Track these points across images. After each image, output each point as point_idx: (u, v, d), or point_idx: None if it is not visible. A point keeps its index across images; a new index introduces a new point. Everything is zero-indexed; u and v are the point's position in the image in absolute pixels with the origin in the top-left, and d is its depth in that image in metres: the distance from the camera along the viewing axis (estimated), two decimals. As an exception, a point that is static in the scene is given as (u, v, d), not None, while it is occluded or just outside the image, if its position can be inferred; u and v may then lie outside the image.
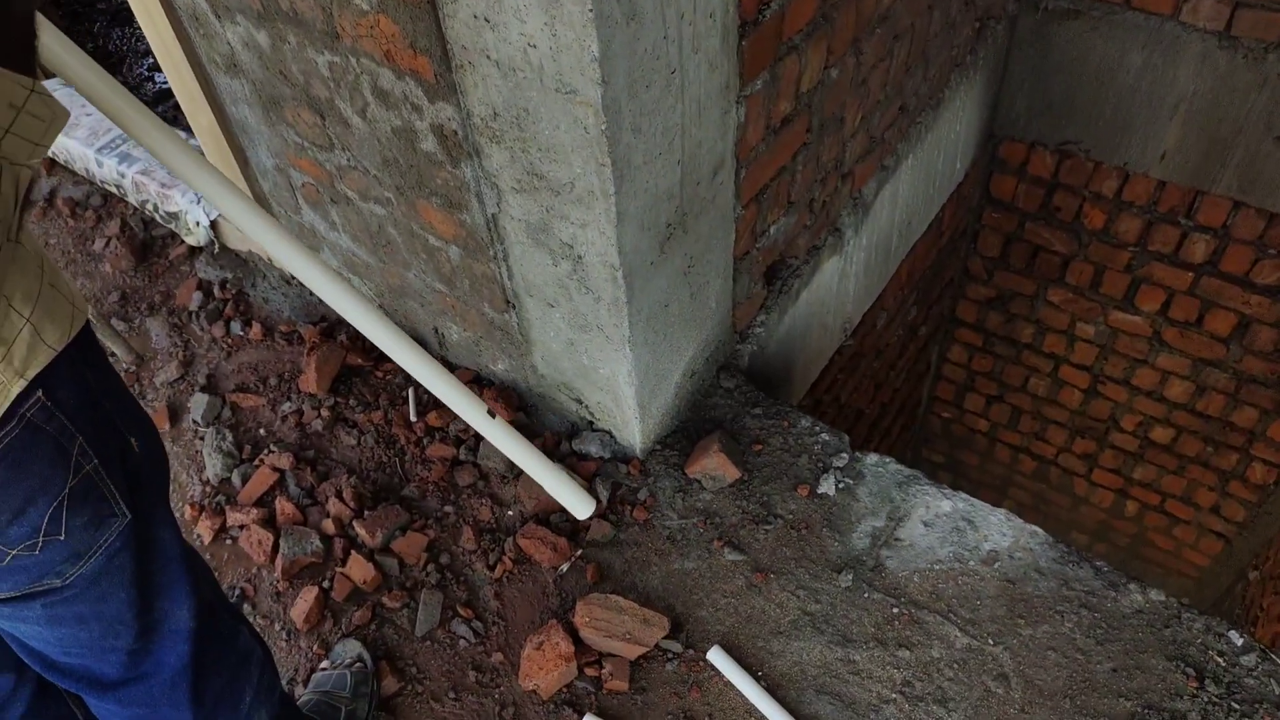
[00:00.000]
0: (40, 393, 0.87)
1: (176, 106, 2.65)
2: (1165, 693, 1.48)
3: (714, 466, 1.72)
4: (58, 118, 0.79)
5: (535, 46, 1.19)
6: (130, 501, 0.98)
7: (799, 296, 2.05)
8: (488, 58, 1.25)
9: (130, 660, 1.07)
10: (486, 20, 1.20)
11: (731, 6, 1.38)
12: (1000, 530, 1.68)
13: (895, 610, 1.59)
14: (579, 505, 1.35)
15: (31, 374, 0.85)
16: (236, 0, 1.48)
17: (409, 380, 1.95)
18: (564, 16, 1.13)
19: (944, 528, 1.68)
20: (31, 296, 0.84)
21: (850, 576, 1.62)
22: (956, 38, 2.35)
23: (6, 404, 0.84)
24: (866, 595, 1.61)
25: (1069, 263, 3.12)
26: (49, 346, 0.87)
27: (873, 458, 1.78)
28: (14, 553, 0.89)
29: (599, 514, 1.71)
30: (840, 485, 1.73)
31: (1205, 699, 1.47)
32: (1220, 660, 1.51)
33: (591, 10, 1.10)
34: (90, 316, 0.98)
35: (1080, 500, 3.84)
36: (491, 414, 1.23)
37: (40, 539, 0.90)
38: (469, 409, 1.21)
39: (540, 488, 1.72)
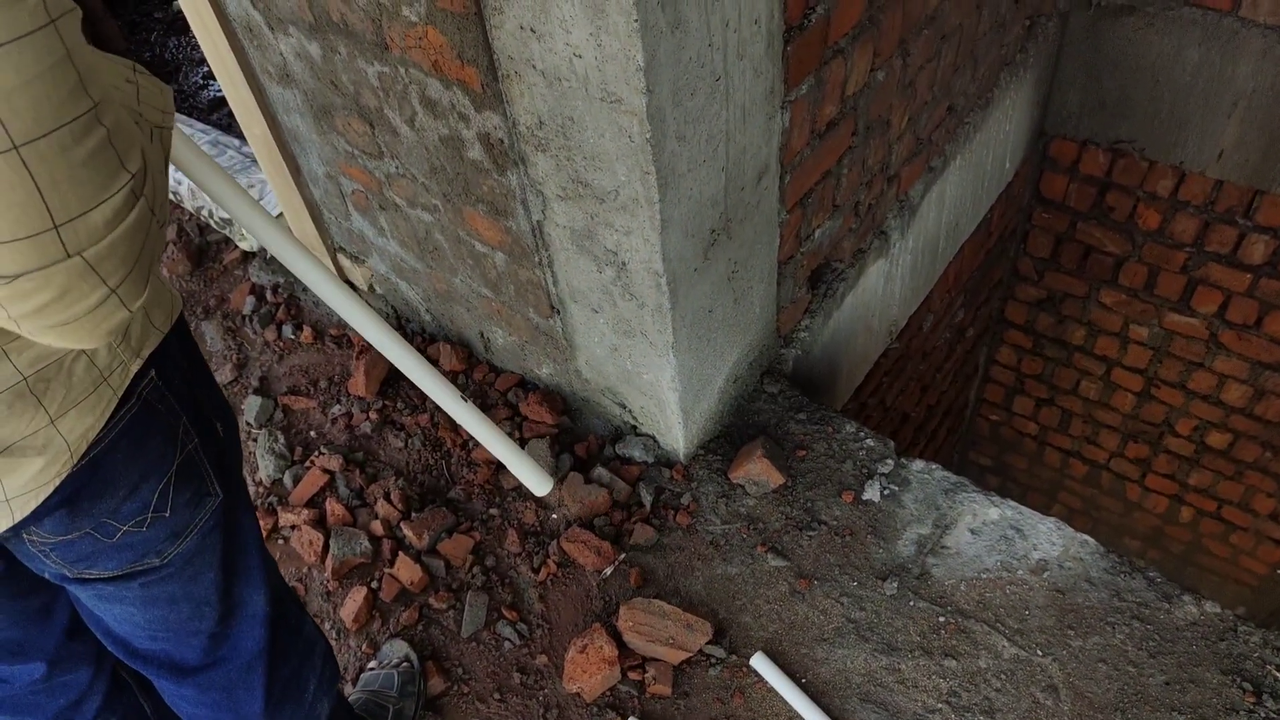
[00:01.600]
0: (153, 372, 0.91)
1: (230, 115, 2.71)
2: (1220, 707, 1.45)
3: (757, 472, 1.71)
4: (165, 88, 0.82)
5: (581, 56, 1.20)
6: (220, 482, 1.03)
7: (844, 300, 2.03)
8: (534, 67, 1.26)
9: (210, 644, 1.10)
10: (533, 31, 1.21)
11: (777, 12, 1.37)
12: (1050, 539, 1.65)
13: (941, 619, 1.57)
14: (537, 483, 1.38)
15: (146, 353, 0.90)
16: (289, 12, 1.51)
17: (454, 383, 1.97)
18: (609, 27, 1.13)
19: (992, 536, 1.66)
20: None
21: (895, 584, 1.61)
22: (1006, 36, 2.32)
23: (127, 381, 0.88)
24: (912, 603, 1.59)
25: (1122, 264, 3.05)
26: (157, 329, 0.91)
27: (919, 464, 1.76)
28: (124, 529, 0.93)
29: (642, 518, 1.72)
30: (885, 492, 1.72)
31: (1263, 714, 1.43)
32: (1278, 674, 1.47)
33: (637, 20, 1.11)
34: None
35: (1133, 506, 3.76)
36: (464, 398, 1.28)
37: (149, 515, 0.94)
38: (435, 386, 1.25)
39: (585, 491, 1.74)
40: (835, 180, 1.81)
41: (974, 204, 2.64)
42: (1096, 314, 3.23)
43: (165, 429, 0.94)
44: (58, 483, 0.86)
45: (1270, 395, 3.05)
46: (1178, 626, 1.54)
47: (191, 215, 2.39)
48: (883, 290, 2.24)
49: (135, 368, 0.89)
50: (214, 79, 3.13)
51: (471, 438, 1.90)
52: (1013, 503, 1.71)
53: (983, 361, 3.65)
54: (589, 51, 1.18)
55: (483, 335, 1.95)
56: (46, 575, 0.98)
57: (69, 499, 0.87)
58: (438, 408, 1.95)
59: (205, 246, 2.37)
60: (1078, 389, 3.50)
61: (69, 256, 0.60)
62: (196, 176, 0.98)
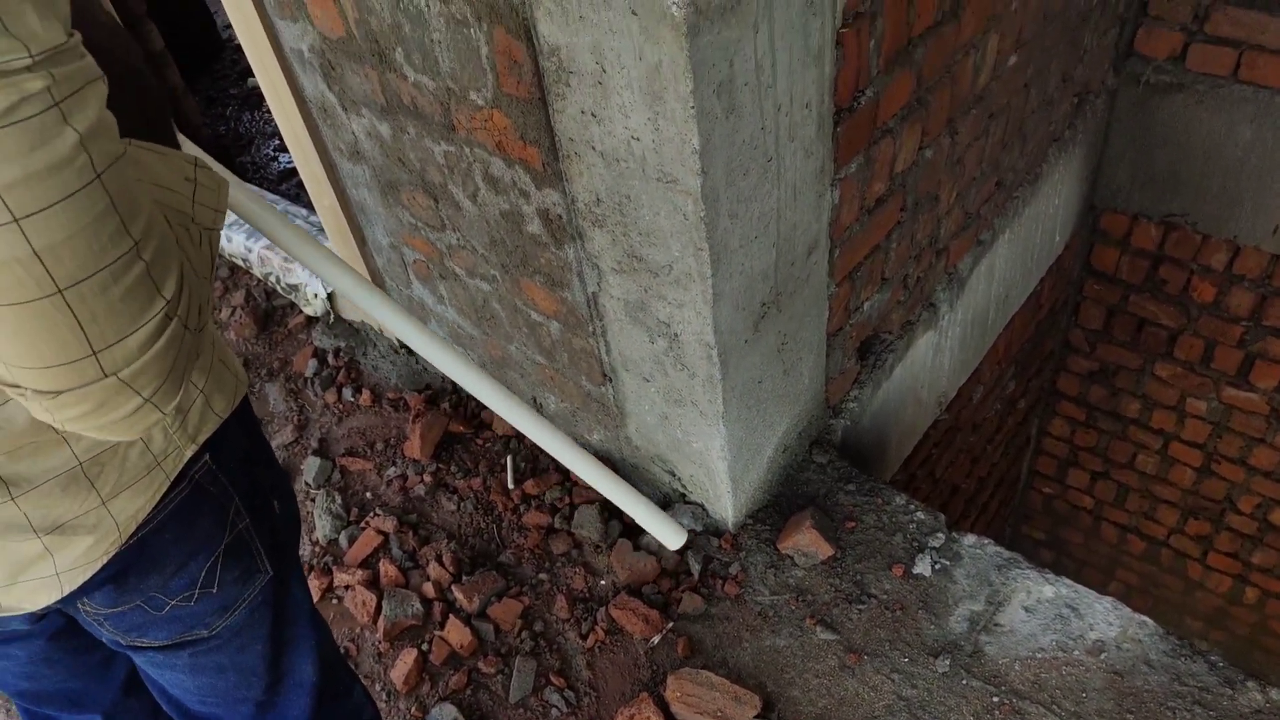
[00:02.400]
0: (208, 456, 0.95)
1: (300, 185, 2.84)
2: (1290, 802, 1.39)
3: (806, 543, 1.71)
4: (223, 184, 0.87)
5: (639, 139, 1.25)
6: (272, 559, 1.06)
7: (893, 371, 2.04)
8: (593, 149, 1.32)
9: (258, 711, 1.13)
10: (593, 115, 1.27)
11: (827, 96, 1.42)
12: (1107, 619, 1.62)
13: (995, 699, 1.54)
14: (670, 535, 1.32)
15: (202, 439, 0.94)
16: (363, 95, 1.60)
17: (507, 448, 2.01)
18: (667, 112, 1.19)
19: (1046, 614, 1.63)
20: (205, 369, 0.92)
21: (948, 662, 1.59)
22: (1054, 113, 2.35)
23: (181, 465, 0.92)
24: (965, 682, 1.57)
25: (1177, 337, 3.02)
26: (216, 415, 0.95)
27: (970, 538, 1.75)
28: (172, 603, 0.97)
29: (690, 587, 1.72)
30: (936, 566, 1.71)
31: (1336, 811, 1.38)
32: (1352, 769, 1.42)
33: (694, 107, 1.16)
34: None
35: (1194, 585, 3.64)
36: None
37: (196, 591, 0.98)
38: (554, 441, 1.23)
39: (634, 558, 1.75)
40: (884, 254, 1.84)
41: (1024, 276, 2.64)
42: (1152, 387, 3.19)
43: (216, 510, 0.97)
44: (105, 560, 0.89)
45: (1336, 473, 2.97)
46: (1241, 714, 1.49)
47: (260, 281, 2.50)
48: (931, 362, 2.24)
49: (190, 453, 0.93)
50: (284, 151, 3.28)
51: (524, 502, 1.92)
52: (1068, 580, 1.68)
53: (1035, 433, 3.60)
54: (647, 135, 1.24)
55: (536, 401, 2.00)
56: (104, 640, 1.02)
57: (116, 575, 0.91)
58: (490, 471, 1.99)
59: (271, 311, 2.46)
60: (1134, 463, 3.44)
61: (105, 377, 0.65)
62: (258, 224, 1.01)
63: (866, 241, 1.75)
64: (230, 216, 2.52)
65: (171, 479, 0.92)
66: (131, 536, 0.91)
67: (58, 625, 1.03)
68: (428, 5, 1.33)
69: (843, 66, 1.42)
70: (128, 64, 0.81)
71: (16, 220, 0.57)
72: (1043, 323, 3.02)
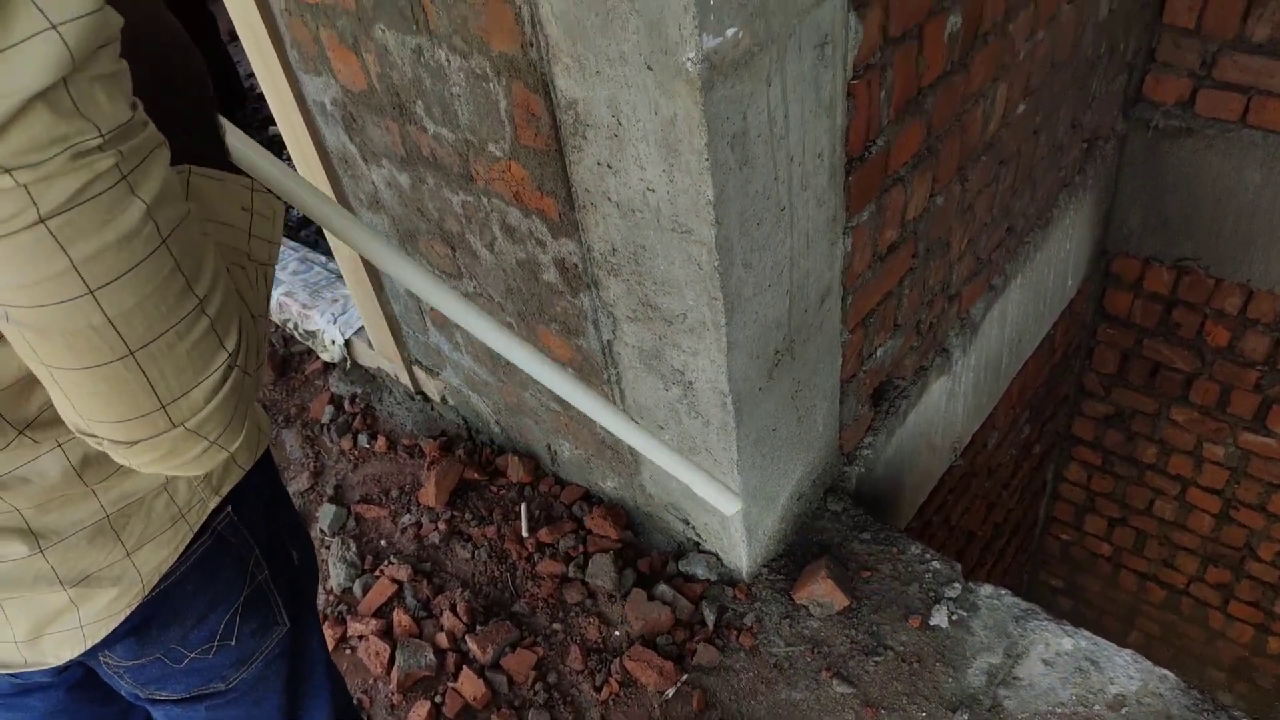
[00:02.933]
0: (230, 507, 0.96)
1: (317, 232, 2.88)
2: None
3: (822, 593, 1.70)
4: (278, 212, 0.87)
5: (654, 190, 1.27)
6: (290, 610, 1.06)
7: (907, 417, 2.04)
8: (609, 199, 1.34)
9: None
10: (609, 167, 1.29)
11: (839, 145, 1.44)
12: (1127, 673, 1.59)
13: (1016, 753, 1.52)
14: (724, 501, 1.29)
15: (225, 490, 0.94)
16: (383, 147, 1.63)
17: (521, 495, 2.01)
18: (681, 165, 1.21)
19: (1066, 667, 1.61)
20: None
21: (966, 716, 1.56)
22: (1064, 159, 2.37)
23: (204, 517, 0.92)
24: (984, 735, 1.54)
25: (1192, 381, 3.00)
26: (240, 466, 0.95)
27: (987, 589, 1.73)
28: (191, 656, 0.97)
29: (705, 638, 1.71)
30: (953, 617, 1.69)
31: None
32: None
33: (708, 159, 1.18)
34: None
35: (1216, 634, 3.58)
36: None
37: (215, 644, 0.97)
38: (599, 407, 1.17)
39: (648, 608, 1.74)
40: (897, 300, 1.84)
41: (1036, 321, 2.64)
42: (1168, 431, 3.16)
43: (236, 561, 0.98)
44: (128, 612, 0.90)
45: (1359, 519, 2.93)
46: (1271, 770, 1.46)
47: (277, 327, 2.52)
48: (945, 407, 2.24)
49: (213, 504, 0.93)
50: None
51: (539, 551, 1.92)
52: (1087, 632, 1.65)
53: (1051, 478, 3.57)
54: (662, 186, 1.25)
55: (550, 448, 2.00)
56: (123, 693, 1.02)
57: (138, 628, 0.92)
58: (505, 519, 1.98)
59: (289, 357, 2.48)
60: (1152, 509, 3.40)
61: (174, 427, 0.67)
62: (263, 174, 0.97)
63: (879, 288, 1.76)
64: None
65: (195, 531, 0.92)
66: (154, 588, 0.91)
67: (77, 677, 1.03)
68: (448, 60, 1.36)
69: (854, 117, 1.44)
70: (174, 43, 0.81)
71: (91, 292, 0.59)
72: (1057, 367, 3.01)
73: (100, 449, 0.69)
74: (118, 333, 0.61)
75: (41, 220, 0.55)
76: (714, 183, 1.21)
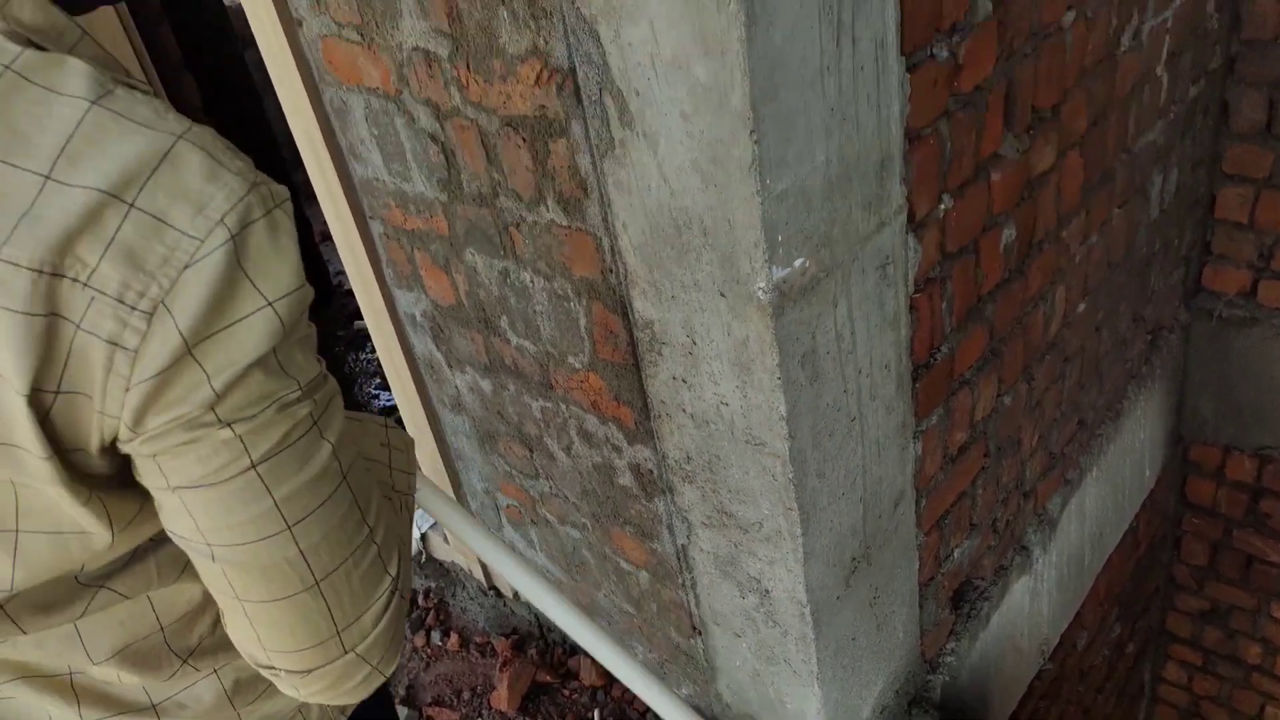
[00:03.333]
0: None
1: (399, 423, 3.01)
2: None
3: (910, 813, 1.61)
4: (410, 443, 0.94)
5: (727, 404, 1.33)
6: None
7: (989, 620, 1.98)
8: (683, 411, 1.40)
9: None
10: (684, 381, 1.36)
11: (904, 355, 1.49)
12: None
13: None
14: None
15: (350, 712, 0.99)
16: (467, 355, 1.74)
17: (594, 700, 1.98)
18: (754, 382, 1.27)
19: None
20: None
21: None
22: (1129, 351, 2.39)
23: None
24: None
25: (1292, 575, 2.86)
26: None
27: (1089, 811, 1.62)
28: None
29: None
30: (1055, 843, 1.57)
31: None
32: None
33: (780, 377, 1.24)
34: None
35: None
36: None
37: None
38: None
39: (724, 828, 1.66)
40: (971, 500, 1.84)
41: (1116, 513, 2.58)
42: (1270, 630, 2.98)
43: None
44: None
45: None
46: None
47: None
48: (1029, 607, 2.17)
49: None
50: (385, 390, 3.50)
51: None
52: None
53: (1148, 680, 3.35)
54: (735, 401, 1.31)
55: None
56: None
57: None
58: (575, 725, 1.94)
59: (364, 551, 2.53)
60: (1263, 715, 3.15)
61: (345, 654, 0.72)
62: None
63: (952, 489, 1.76)
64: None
65: None
66: None
67: None
68: (532, 282, 1.47)
69: (917, 328, 1.50)
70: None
71: (289, 527, 0.65)
72: (1142, 560, 2.90)
73: (275, 679, 0.73)
74: (307, 564, 0.67)
75: (253, 466, 0.61)
76: (786, 399, 1.26)
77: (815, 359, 1.29)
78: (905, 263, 1.43)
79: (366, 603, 0.72)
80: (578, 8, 1.06)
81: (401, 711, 2.01)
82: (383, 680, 0.77)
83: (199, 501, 0.62)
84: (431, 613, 2.27)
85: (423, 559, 2.40)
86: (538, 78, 1.21)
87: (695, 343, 1.30)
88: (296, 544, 0.66)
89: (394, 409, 2.22)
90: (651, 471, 1.54)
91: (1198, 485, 2.92)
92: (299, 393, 0.63)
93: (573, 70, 1.15)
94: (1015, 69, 1.48)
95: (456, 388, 1.87)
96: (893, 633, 1.68)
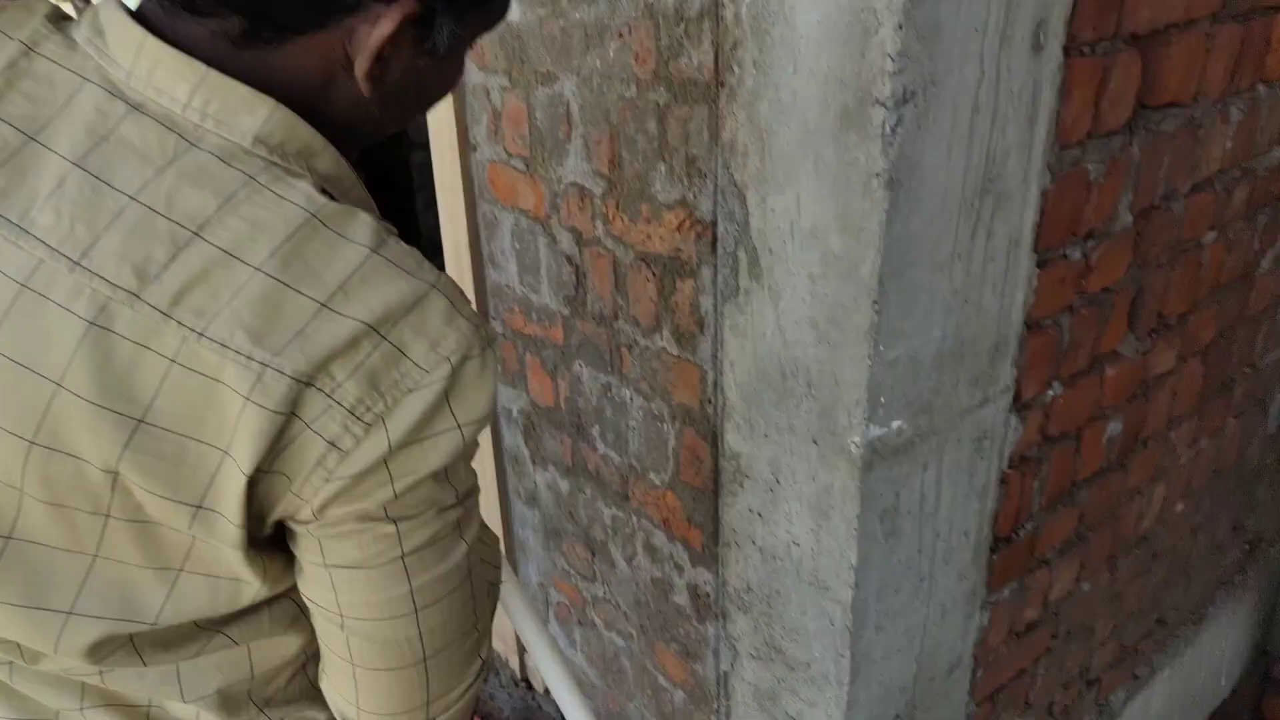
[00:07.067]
0: None
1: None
2: None
3: None
4: (496, 541, 0.99)
5: (798, 544, 1.32)
6: None
7: (1034, 811, 1.87)
8: (752, 543, 1.39)
9: None
10: (759, 515, 1.35)
11: (986, 526, 1.46)
12: None
13: None
14: None
15: None
16: (554, 454, 1.77)
17: (608, 810, 1.93)
18: (830, 528, 1.26)
19: None
20: None
21: None
22: (1223, 558, 2.28)
23: None
24: None
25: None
26: None
27: None
28: None
29: None
30: None
31: None
32: None
33: (857, 529, 1.23)
34: None
35: None
36: None
37: None
38: None
39: None
40: (1030, 679, 1.76)
41: (1184, 717, 2.43)
42: None
43: None
44: None
45: None
46: None
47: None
48: (1079, 804, 2.04)
49: None
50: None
51: None
52: None
53: None
54: (807, 543, 1.30)
55: (645, 765, 1.93)
56: None
57: None
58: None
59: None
60: None
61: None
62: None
63: (1013, 665, 1.69)
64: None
65: None
66: None
67: None
68: (631, 399, 1.50)
69: (1005, 502, 1.47)
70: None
71: (417, 611, 0.70)
72: (1206, 774, 2.71)
73: None
74: (423, 645, 0.72)
75: (402, 556, 0.67)
76: (859, 550, 1.24)
77: (895, 516, 1.28)
78: (1003, 439, 1.41)
79: (460, 681, 0.77)
80: (731, 173, 1.11)
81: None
82: None
83: (345, 580, 0.67)
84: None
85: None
86: (680, 225, 1.26)
87: (779, 481, 1.31)
88: (419, 626, 0.70)
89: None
90: (709, 595, 1.53)
91: (1274, 703, 2.74)
92: (455, 499, 0.68)
93: (714, 223, 1.20)
94: (1147, 276, 1.47)
95: (535, 482, 1.90)
96: (930, 808, 1.60)
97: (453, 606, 0.72)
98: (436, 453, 0.63)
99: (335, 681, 0.75)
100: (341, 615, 0.69)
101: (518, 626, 1.14)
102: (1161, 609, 2.11)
